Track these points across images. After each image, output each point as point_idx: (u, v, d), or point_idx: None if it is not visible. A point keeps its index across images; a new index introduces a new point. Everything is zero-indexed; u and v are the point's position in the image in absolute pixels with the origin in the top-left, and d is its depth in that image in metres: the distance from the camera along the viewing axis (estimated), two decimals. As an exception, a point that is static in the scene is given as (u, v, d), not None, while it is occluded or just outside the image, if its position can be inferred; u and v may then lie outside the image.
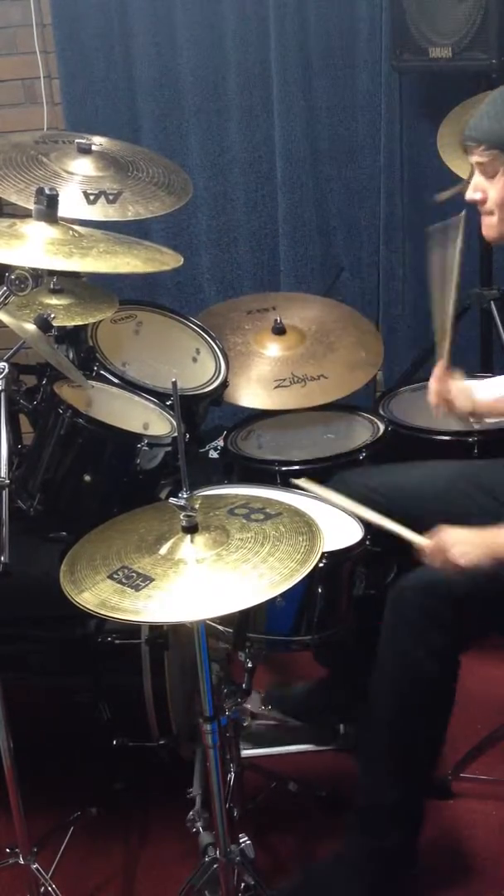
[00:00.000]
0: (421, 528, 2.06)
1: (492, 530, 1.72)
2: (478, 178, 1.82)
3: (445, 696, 1.79)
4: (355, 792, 1.89)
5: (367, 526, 1.94)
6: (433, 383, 2.09)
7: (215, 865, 1.67)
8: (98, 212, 2.22)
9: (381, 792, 1.81)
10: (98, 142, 2.42)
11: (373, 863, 1.81)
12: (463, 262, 1.99)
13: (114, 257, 1.72)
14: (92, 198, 2.23)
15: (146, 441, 2.02)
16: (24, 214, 1.80)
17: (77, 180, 2.28)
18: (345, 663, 2.21)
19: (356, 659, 2.11)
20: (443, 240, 1.98)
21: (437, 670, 1.76)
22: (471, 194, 1.84)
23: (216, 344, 2.49)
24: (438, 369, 2.08)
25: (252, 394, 2.54)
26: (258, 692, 2.33)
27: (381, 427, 2.53)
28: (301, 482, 2.04)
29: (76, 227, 1.77)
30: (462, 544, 1.70)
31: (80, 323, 2.14)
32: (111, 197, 2.25)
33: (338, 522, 1.97)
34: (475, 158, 1.80)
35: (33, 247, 1.65)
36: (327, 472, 2.28)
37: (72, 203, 2.19)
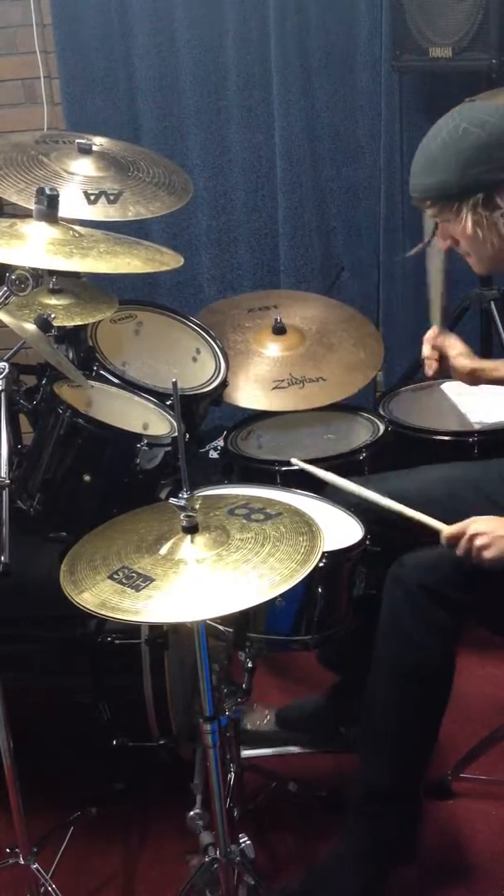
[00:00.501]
0: (419, 535, 2.06)
1: None
2: (443, 226, 1.83)
3: (443, 674, 1.80)
4: (355, 784, 1.89)
5: (368, 525, 1.94)
6: (427, 340, 2.13)
7: (215, 865, 1.67)
8: (98, 212, 2.22)
9: (379, 774, 1.83)
10: (98, 142, 2.42)
11: (372, 850, 1.82)
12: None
13: (114, 257, 1.72)
14: (92, 198, 2.23)
15: (146, 441, 2.01)
16: (24, 214, 1.80)
17: (77, 180, 2.27)
18: (351, 669, 2.20)
19: (361, 663, 2.11)
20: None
21: (437, 645, 1.77)
22: (442, 244, 1.87)
23: (216, 344, 2.49)
24: (432, 332, 2.13)
25: (250, 394, 2.53)
26: (270, 709, 2.32)
27: (381, 427, 2.53)
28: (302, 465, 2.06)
29: (76, 227, 1.77)
30: (487, 536, 1.68)
31: (80, 323, 2.14)
32: (111, 197, 2.25)
33: (338, 522, 1.97)
34: (427, 213, 1.82)
35: (33, 247, 1.65)
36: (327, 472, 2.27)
37: (72, 203, 2.18)
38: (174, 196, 2.37)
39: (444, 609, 1.75)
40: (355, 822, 1.86)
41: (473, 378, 2.13)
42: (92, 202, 2.22)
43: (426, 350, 2.14)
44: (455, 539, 1.72)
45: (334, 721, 2.27)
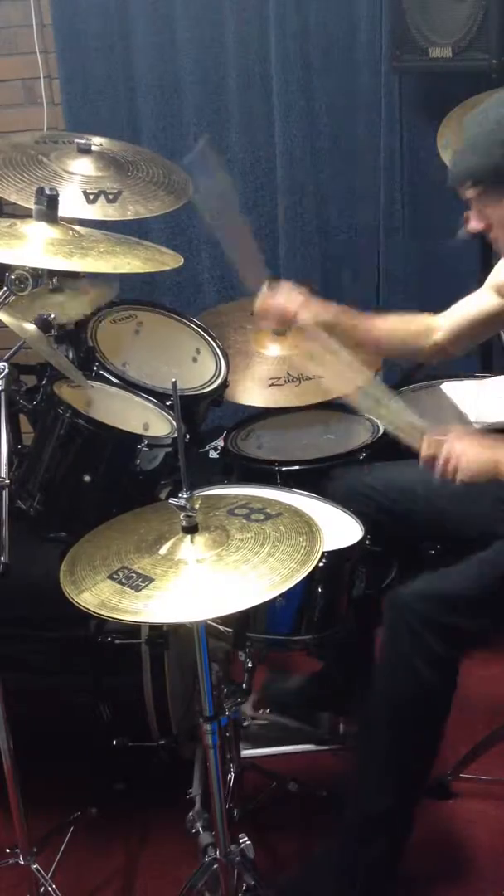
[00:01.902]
0: (418, 525, 2.07)
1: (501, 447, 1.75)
2: (478, 208, 1.82)
3: (442, 704, 1.79)
4: (346, 797, 1.88)
5: (367, 525, 1.94)
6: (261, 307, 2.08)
7: (215, 865, 1.67)
8: (98, 211, 2.22)
9: (373, 799, 1.81)
10: (98, 142, 2.42)
11: (357, 870, 1.81)
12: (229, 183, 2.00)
13: (114, 257, 1.72)
14: (92, 197, 2.23)
15: (146, 441, 2.01)
16: (24, 214, 1.80)
17: (77, 180, 2.28)
18: (339, 658, 2.21)
19: (351, 655, 2.11)
20: (203, 169, 1.99)
21: (435, 678, 1.75)
22: (474, 225, 1.85)
23: (216, 344, 2.49)
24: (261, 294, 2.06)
25: (245, 391, 2.53)
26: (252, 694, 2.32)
27: (382, 427, 2.53)
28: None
29: (76, 227, 1.77)
30: (467, 456, 1.73)
31: (80, 311, 2.13)
32: (111, 196, 2.25)
33: (338, 522, 1.97)
34: (466, 194, 1.81)
35: (33, 247, 1.65)
36: (327, 472, 2.28)
37: (72, 203, 2.19)
38: (173, 196, 2.37)
39: (441, 640, 1.73)
40: (347, 833, 1.85)
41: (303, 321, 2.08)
42: (91, 202, 2.22)
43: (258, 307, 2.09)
44: (430, 461, 1.77)
45: (311, 704, 2.29)
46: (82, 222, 2.02)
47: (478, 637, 1.83)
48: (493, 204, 1.77)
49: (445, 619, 1.74)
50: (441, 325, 2.16)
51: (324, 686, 2.29)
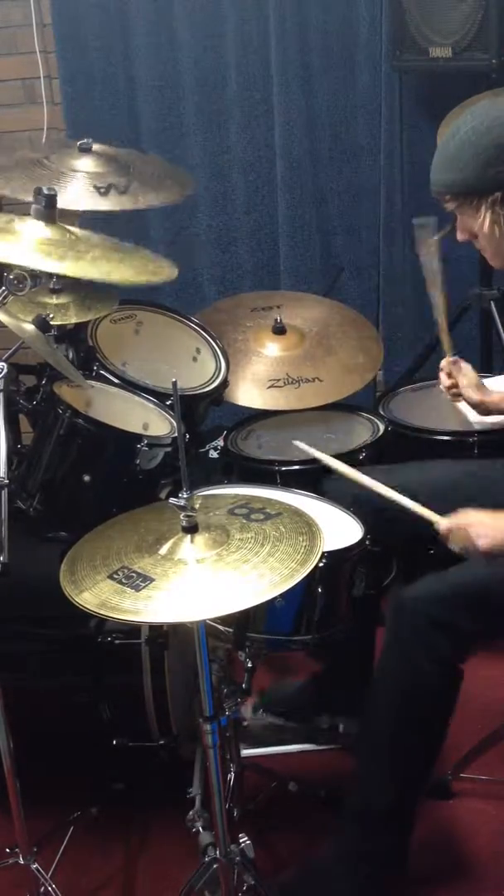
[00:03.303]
0: (418, 529, 2.06)
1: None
2: (461, 219, 1.83)
3: (446, 703, 1.80)
4: (349, 794, 1.89)
5: (368, 525, 1.94)
6: (443, 375, 2.16)
7: (215, 865, 1.67)
8: (112, 202, 2.22)
9: (377, 796, 1.81)
10: (98, 148, 2.43)
11: (363, 865, 1.81)
12: (441, 259, 2.08)
13: (106, 263, 1.71)
14: (103, 190, 2.24)
15: (146, 441, 2.02)
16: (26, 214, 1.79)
17: (86, 177, 2.28)
18: (339, 660, 2.21)
19: (351, 656, 2.11)
20: (422, 238, 2.08)
21: (438, 677, 1.76)
22: (460, 236, 1.87)
23: (216, 343, 2.49)
24: (445, 362, 2.15)
25: (245, 392, 2.53)
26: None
27: (381, 427, 2.53)
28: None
29: (73, 229, 1.76)
30: (482, 526, 1.69)
31: (76, 320, 2.13)
32: (122, 188, 2.26)
33: (338, 522, 1.97)
34: (447, 206, 1.83)
35: (24, 245, 1.63)
36: (326, 472, 2.28)
37: (84, 195, 2.20)
38: (177, 188, 2.38)
39: (447, 641, 1.74)
40: (350, 830, 1.85)
41: (481, 409, 2.16)
42: (103, 194, 2.23)
43: (444, 380, 2.17)
44: (450, 531, 1.73)
45: (312, 708, 2.28)
46: (95, 214, 2.08)
47: (483, 637, 1.83)
48: (472, 215, 1.78)
49: (449, 620, 1.74)
50: None
51: (324, 688, 2.29)
